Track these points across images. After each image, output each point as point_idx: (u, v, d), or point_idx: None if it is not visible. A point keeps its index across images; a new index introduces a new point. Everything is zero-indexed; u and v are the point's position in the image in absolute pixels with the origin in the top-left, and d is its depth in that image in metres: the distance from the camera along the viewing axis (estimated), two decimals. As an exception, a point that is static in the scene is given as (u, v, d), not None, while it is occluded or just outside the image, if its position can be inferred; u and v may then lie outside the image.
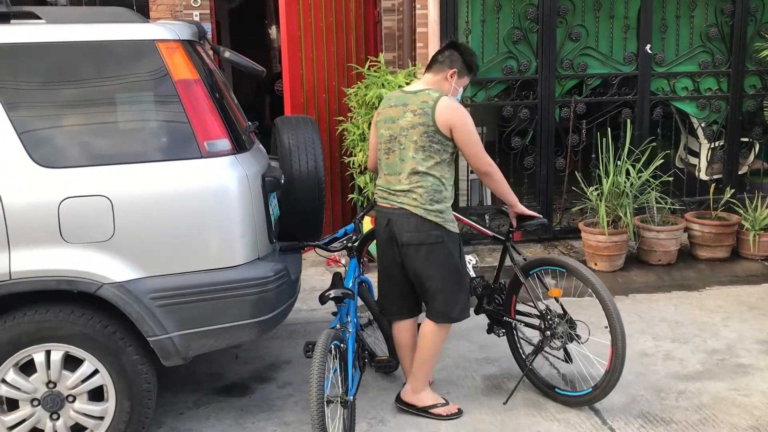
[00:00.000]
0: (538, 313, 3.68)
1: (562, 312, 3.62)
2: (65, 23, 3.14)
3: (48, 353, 3.03)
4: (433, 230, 3.41)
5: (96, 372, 3.07)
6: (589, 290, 3.55)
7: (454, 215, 3.62)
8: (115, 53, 3.11)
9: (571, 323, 3.59)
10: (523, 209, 3.71)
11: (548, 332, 3.64)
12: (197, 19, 6.32)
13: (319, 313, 4.87)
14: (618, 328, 3.42)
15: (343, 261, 5.54)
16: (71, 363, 3.06)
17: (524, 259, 3.82)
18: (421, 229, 3.40)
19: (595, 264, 5.64)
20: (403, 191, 3.43)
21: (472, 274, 4.06)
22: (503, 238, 3.88)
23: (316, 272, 5.75)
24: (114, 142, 3.12)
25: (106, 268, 2.97)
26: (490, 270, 5.00)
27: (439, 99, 3.42)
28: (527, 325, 3.79)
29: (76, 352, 3.04)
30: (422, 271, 3.47)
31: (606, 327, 3.46)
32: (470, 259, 4.30)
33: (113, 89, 3.13)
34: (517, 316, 3.85)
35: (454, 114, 3.40)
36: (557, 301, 3.68)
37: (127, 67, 3.12)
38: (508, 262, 3.87)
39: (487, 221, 6.44)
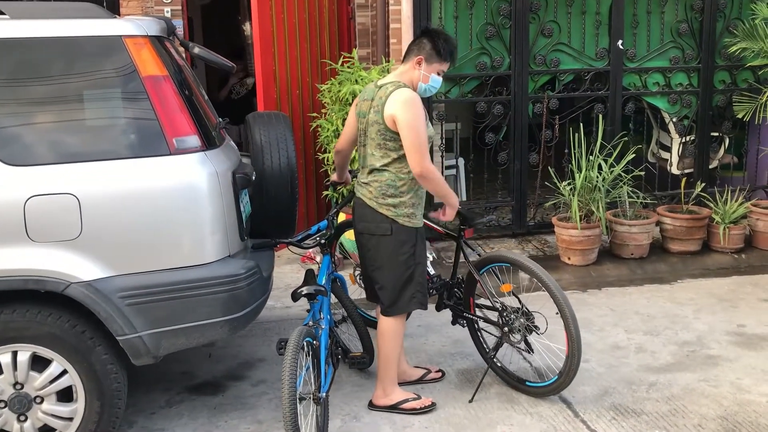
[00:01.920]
0: (495, 309, 3.72)
1: (519, 305, 3.65)
2: (30, 19, 3.09)
3: (15, 354, 2.98)
4: (383, 222, 3.43)
5: (65, 372, 3.03)
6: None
7: None
8: (81, 49, 3.07)
9: (529, 316, 3.62)
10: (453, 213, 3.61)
11: (506, 328, 3.67)
12: (168, 15, 6.26)
13: (293, 310, 4.86)
14: (568, 312, 3.49)
15: (318, 258, 5.52)
16: (39, 363, 3.02)
17: (479, 255, 3.85)
18: (372, 220, 3.47)
19: (569, 258, 5.68)
20: (365, 183, 3.51)
21: (431, 270, 4.09)
22: (456, 235, 3.91)
23: (291, 269, 5.73)
24: (81, 139, 3.08)
25: (74, 267, 2.93)
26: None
27: (392, 93, 3.36)
28: (486, 321, 3.83)
29: (44, 352, 3.00)
30: (370, 262, 3.55)
31: (557, 313, 3.52)
32: (426, 256, 4.33)
33: (80, 86, 3.09)
34: (477, 312, 3.88)
35: (396, 106, 3.32)
36: (515, 295, 3.71)
37: (94, 63, 3.08)
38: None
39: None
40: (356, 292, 4.57)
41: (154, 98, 3.05)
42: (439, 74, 3.50)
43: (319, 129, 5.84)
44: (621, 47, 6.27)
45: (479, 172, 6.24)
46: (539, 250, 6.05)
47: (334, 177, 4.09)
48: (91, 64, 3.08)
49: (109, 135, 3.09)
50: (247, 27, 10.03)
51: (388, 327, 3.56)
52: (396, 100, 3.33)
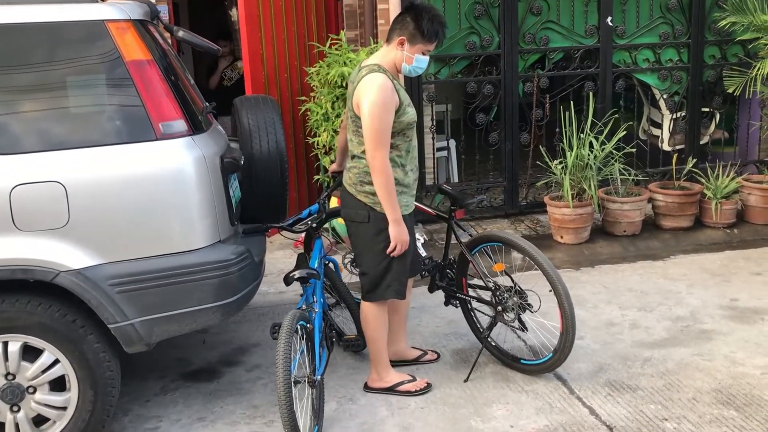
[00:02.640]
0: (488, 289, 3.72)
1: (512, 284, 3.65)
2: (11, 4, 3.03)
3: (5, 344, 2.96)
4: (361, 209, 3.39)
5: (57, 362, 3.01)
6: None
7: None
8: (64, 35, 3.02)
9: (522, 294, 3.62)
10: (397, 230, 3.31)
11: (499, 307, 3.67)
12: (153, 0, 6.17)
13: (287, 295, 4.84)
14: (561, 288, 3.49)
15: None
16: (31, 353, 2.99)
17: (470, 236, 3.84)
18: (352, 206, 3.45)
19: (561, 237, 5.68)
20: (348, 169, 3.48)
21: (423, 252, 4.09)
22: (446, 216, 3.89)
23: (283, 255, 5.71)
24: (66, 126, 3.03)
25: (63, 256, 2.90)
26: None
27: (363, 77, 3.26)
28: (479, 300, 3.82)
29: (35, 342, 2.97)
30: (353, 247, 3.57)
31: (550, 290, 3.52)
32: (417, 237, 4.32)
33: (63, 72, 3.03)
34: (470, 292, 3.87)
35: (362, 92, 3.23)
36: (507, 274, 3.70)
37: (77, 49, 3.03)
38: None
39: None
40: (349, 275, 4.57)
41: (138, 83, 3.01)
42: (424, 54, 3.35)
43: (308, 112, 5.80)
44: (610, 24, 6.24)
45: (471, 153, 6.21)
46: (532, 230, 6.04)
47: (333, 166, 4.01)
48: (74, 49, 3.03)
49: (95, 121, 3.05)
50: (234, 12, 9.93)
51: (369, 312, 3.53)
52: (362, 86, 3.24)
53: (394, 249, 3.34)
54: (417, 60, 3.35)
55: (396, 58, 3.35)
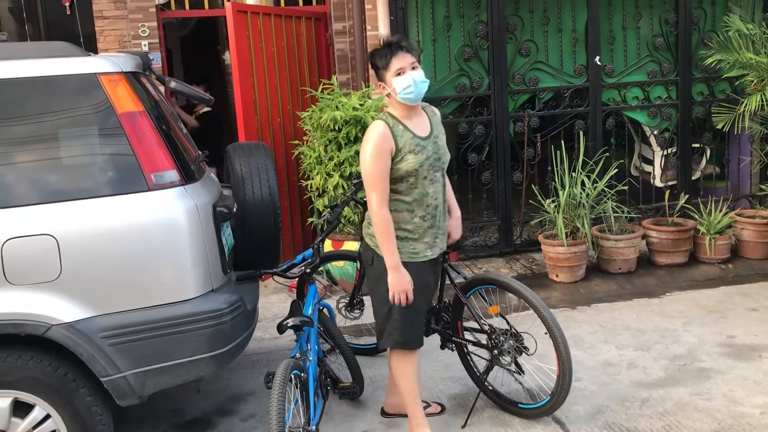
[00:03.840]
0: (484, 332, 3.69)
1: (507, 327, 3.63)
2: (4, 59, 3.07)
3: (-5, 401, 2.92)
4: (367, 251, 3.41)
5: (48, 417, 2.97)
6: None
7: None
8: (57, 88, 3.05)
9: (518, 337, 3.60)
10: (394, 277, 3.24)
11: (496, 350, 3.64)
12: (146, 48, 6.25)
13: (281, 341, 4.80)
14: (557, 332, 3.47)
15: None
16: (21, 409, 2.96)
17: (465, 278, 3.82)
18: (362, 247, 3.50)
19: (557, 275, 5.67)
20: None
21: None
22: (440, 260, 3.87)
23: (278, 299, 5.68)
24: (58, 178, 3.04)
25: (54, 309, 2.89)
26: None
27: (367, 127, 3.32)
28: (475, 344, 3.79)
29: (26, 397, 2.94)
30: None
31: (546, 333, 3.50)
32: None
33: (56, 125, 3.06)
34: (465, 335, 3.85)
35: (363, 139, 3.27)
36: (503, 316, 3.69)
37: (70, 101, 3.06)
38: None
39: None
40: (344, 320, 4.54)
41: (130, 134, 3.03)
42: (399, 74, 3.18)
43: (302, 156, 5.83)
44: (599, 63, 6.33)
45: (464, 193, 6.23)
46: (527, 269, 6.04)
47: None
48: (67, 102, 3.06)
49: (87, 173, 3.06)
50: (227, 56, 10.05)
51: (391, 360, 3.47)
52: (365, 133, 3.28)
53: (395, 296, 3.25)
54: (397, 84, 3.19)
55: (391, 100, 3.28)
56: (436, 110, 3.51)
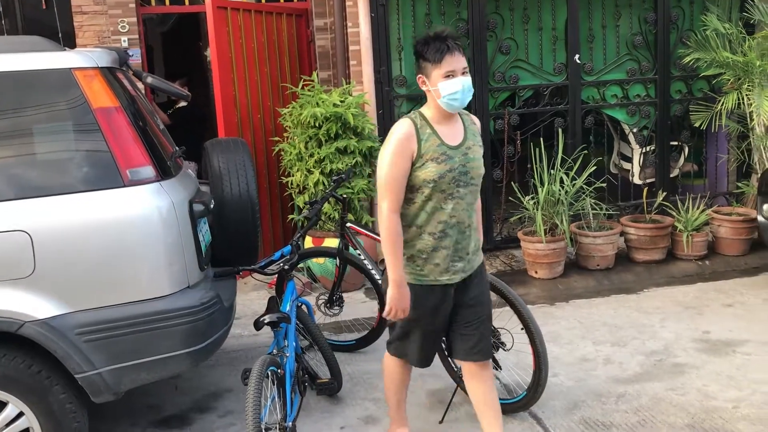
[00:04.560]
0: None
1: None
2: (-23, 54, 3.04)
3: (-32, 399, 2.90)
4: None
5: (21, 414, 2.94)
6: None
7: (360, 231, 3.88)
8: (31, 83, 3.02)
9: (495, 332, 3.61)
10: (393, 293, 2.94)
11: None
12: (125, 44, 6.21)
13: (261, 338, 4.79)
14: (533, 327, 3.50)
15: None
16: (-6, 407, 2.93)
17: None
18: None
19: (536, 272, 5.70)
20: None
21: None
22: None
23: (258, 296, 5.67)
24: (32, 174, 3.01)
25: (28, 306, 2.86)
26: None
27: None
28: None
29: (-1, 395, 2.92)
30: None
31: (522, 328, 3.52)
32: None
33: (30, 120, 3.03)
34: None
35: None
36: None
37: (45, 97, 3.03)
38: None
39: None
40: (323, 317, 4.55)
41: (106, 130, 3.01)
42: (447, 77, 2.83)
43: (282, 152, 5.82)
44: (578, 61, 6.36)
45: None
46: (507, 265, 6.07)
47: None
48: (41, 97, 3.03)
49: (61, 169, 3.03)
50: (209, 53, 10.01)
51: (385, 359, 3.34)
52: None
53: (391, 312, 2.97)
54: (443, 87, 2.84)
55: (429, 99, 2.94)
56: (476, 120, 3.14)
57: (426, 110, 2.96)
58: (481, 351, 3.12)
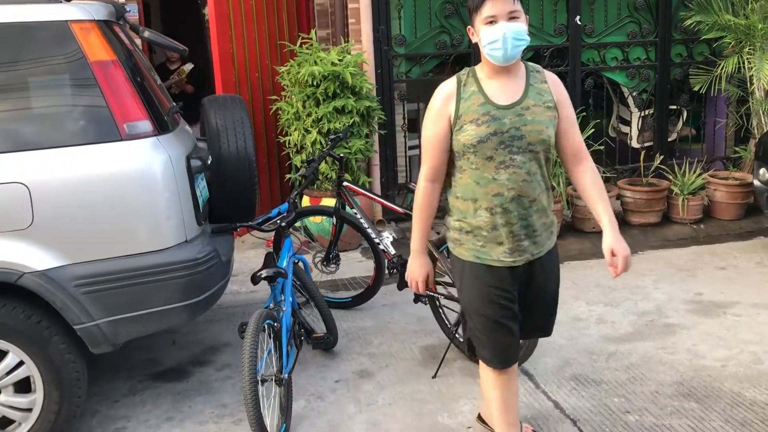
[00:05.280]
0: (454, 285, 3.74)
1: None
2: (-29, 5, 3.02)
3: (-31, 347, 2.95)
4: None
5: (21, 363, 2.99)
6: None
7: (357, 190, 3.78)
8: (27, 36, 3.00)
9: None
10: (411, 261, 2.83)
11: None
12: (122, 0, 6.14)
13: (258, 294, 4.84)
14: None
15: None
16: (-6, 355, 2.99)
17: (437, 233, 3.86)
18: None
19: (532, 234, 5.73)
20: None
21: (391, 251, 4.13)
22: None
23: (255, 254, 5.71)
24: (29, 127, 3.02)
25: (27, 257, 2.90)
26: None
27: None
28: (447, 297, 3.85)
29: (-1, 344, 2.97)
30: None
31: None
32: (387, 235, 4.36)
33: (27, 73, 3.02)
34: (438, 289, 3.90)
35: None
36: None
37: (41, 49, 3.02)
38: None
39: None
40: (320, 274, 4.60)
41: (103, 83, 3.01)
42: (489, 23, 2.50)
43: (280, 111, 5.80)
44: (579, 23, 6.32)
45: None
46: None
47: None
48: (38, 50, 3.02)
49: (59, 122, 3.03)
50: (207, 11, 9.89)
51: (480, 369, 2.94)
52: None
53: (409, 282, 2.84)
54: (484, 35, 2.52)
55: (481, 55, 2.60)
56: (551, 77, 2.68)
57: (479, 65, 2.65)
58: (540, 329, 2.95)
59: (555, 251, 2.86)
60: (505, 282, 2.70)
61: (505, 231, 2.63)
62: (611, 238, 2.69)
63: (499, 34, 2.48)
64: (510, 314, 2.73)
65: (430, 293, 3.92)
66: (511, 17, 2.50)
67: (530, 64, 2.68)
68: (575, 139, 2.70)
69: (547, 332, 2.99)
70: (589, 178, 2.74)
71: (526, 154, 2.58)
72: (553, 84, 2.67)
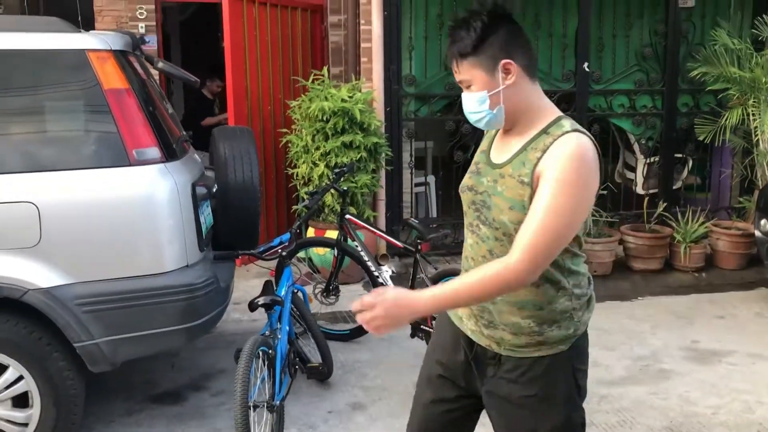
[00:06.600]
0: None
1: None
2: (-2, 31, 3.17)
3: (-30, 360, 3.03)
4: None
5: (20, 378, 3.07)
6: None
7: (358, 223, 3.99)
8: (46, 62, 3.15)
9: None
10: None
11: None
12: (142, 31, 6.35)
13: (259, 323, 4.89)
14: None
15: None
16: (-6, 369, 3.06)
17: (435, 269, 3.93)
18: None
19: (533, 275, 5.77)
20: None
21: (390, 285, 4.19)
22: (413, 250, 3.99)
23: (259, 283, 5.70)
24: (42, 149, 3.15)
25: (32, 274, 2.99)
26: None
27: None
28: None
29: (0, 358, 3.04)
30: None
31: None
32: (387, 269, 4.43)
33: (43, 97, 3.17)
34: (434, 324, 3.94)
35: None
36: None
37: (59, 75, 3.17)
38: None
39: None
40: (319, 305, 4.65)
41: (115, 110, 3.13)
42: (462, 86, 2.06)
43: (290, 144, 5.93)
44: (587, 69, 6.43)
45: (448, 189, 6.34)
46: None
47: None
48: (55, 76, 3.16)
49: (71, 145, 3.17)
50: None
51: None
52: None
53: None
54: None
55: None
56: (558, 146, 1.93)
57: None
58: None
59: (550, 378, 2.07)
60: (457, 352, 2.15)
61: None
62: (403, 292, 1.99)
63: (467, 103, 2.03)
64: (440, 398, 2.22)
65: (427, 329, 3.99)
66: (466, 86, 2.03)
67: (560, 122, 1.99)
68: (520, 235, 1.91)
69: None
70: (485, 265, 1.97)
71: (489, 227, 2.03)
72: (552, 155, 1.93)
